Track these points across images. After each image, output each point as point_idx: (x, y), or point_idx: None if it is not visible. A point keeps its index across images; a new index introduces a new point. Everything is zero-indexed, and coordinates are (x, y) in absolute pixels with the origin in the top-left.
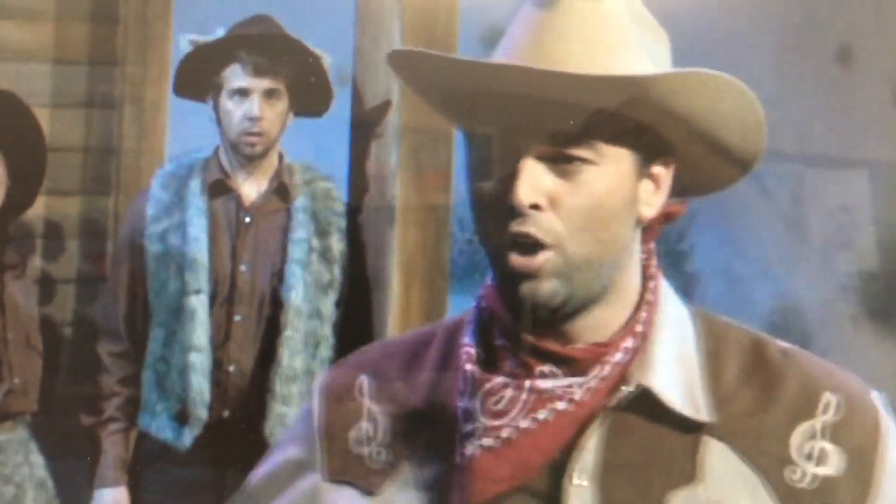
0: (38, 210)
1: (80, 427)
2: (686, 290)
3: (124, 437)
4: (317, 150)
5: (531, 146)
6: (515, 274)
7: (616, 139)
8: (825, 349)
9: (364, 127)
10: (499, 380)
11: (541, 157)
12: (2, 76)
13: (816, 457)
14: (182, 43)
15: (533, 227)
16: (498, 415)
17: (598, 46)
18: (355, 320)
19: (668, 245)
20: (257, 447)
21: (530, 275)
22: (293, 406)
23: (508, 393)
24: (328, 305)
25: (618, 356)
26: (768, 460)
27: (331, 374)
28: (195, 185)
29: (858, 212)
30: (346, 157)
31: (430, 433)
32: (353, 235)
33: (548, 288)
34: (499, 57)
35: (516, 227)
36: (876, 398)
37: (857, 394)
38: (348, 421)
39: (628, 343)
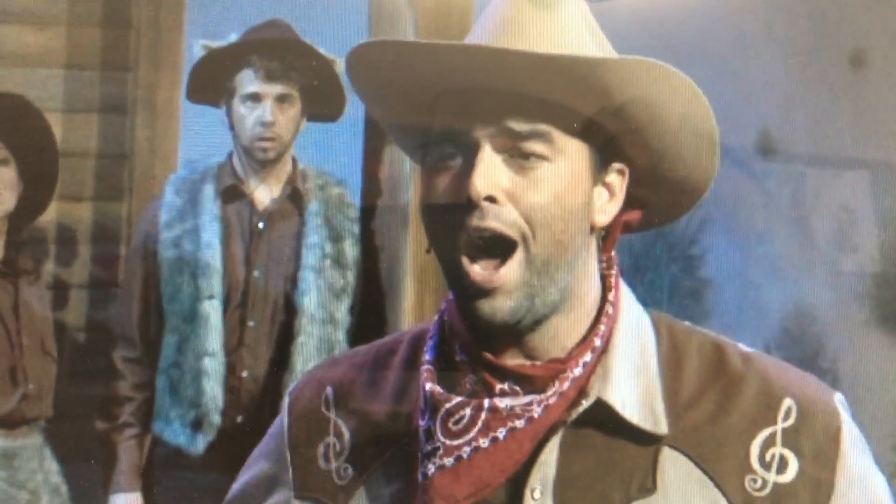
0: (50, 215)
1: (94, 432)
2: (698, 295)
3: (138, 442)
4: (330, 154)
5: (487, 138)
6: (474, 289)
7: (570, 130)
8: (837, 354)
9: (377, 131)
10: (458, 400)
11: (498, 151)
12: (14, 81)
13: (777, 464)
14: (195, 48)
15: (494, 220)
16: (457, 434)
17: (554, 37)
18: (369, 326)
19: (679, 249)
20: None
21: (490, 291)
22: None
23: (468, 412)
24: (342, 311)
25: (576, 371)
26: (728, 469)
27: (299, 388)
28: (209, 190)
29: (867, 213)
30: (359, 161)
31: (394, 450)
32: (367, 240)
33: (509, 305)
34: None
35: (475, 221)
36: (838, 402)
37: (818, 398)
38: (315, 436)
39: (587, 357)
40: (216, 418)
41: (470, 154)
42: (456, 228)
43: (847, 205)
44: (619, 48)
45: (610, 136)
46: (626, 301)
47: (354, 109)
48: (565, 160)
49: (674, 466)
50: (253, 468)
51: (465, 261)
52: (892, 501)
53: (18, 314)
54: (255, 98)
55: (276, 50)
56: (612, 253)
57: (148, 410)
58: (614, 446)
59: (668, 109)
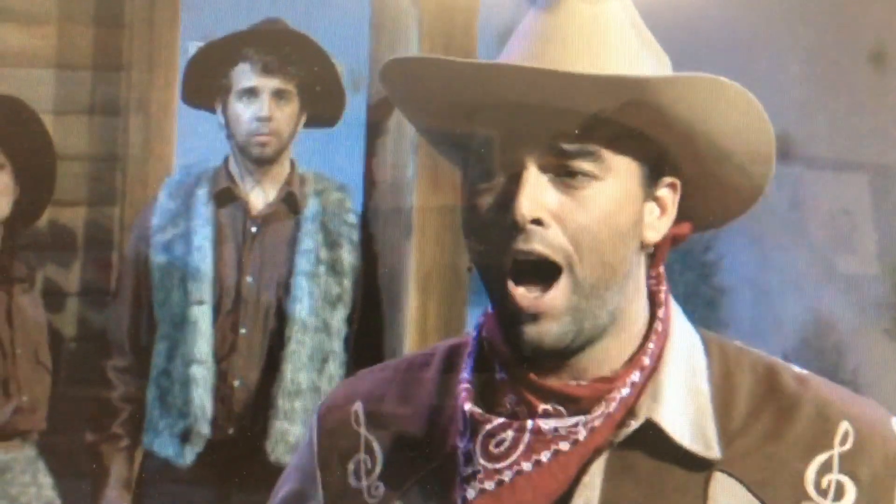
0: (41, 220)
1: (83, 445)
2: (714, 303)
3: (128, 455)
4: (330, 159)
5: (533, 158)
6: (520, 314)
7: (620, 150)
8: (858, 364)
9: (380, 134)
10: (499, 421)
11: (544, 170)
12: (4, 81)
13: (834, 491)
14: (190, 49)
15: (539, 244)
16: (498, 458)
17: (601, 50)
18: (369, 336)
19: (695, 256)
20: (261, 465)
21: (537, 316)
22: (296, 423)
23: (510, 434)
24: (337, 320)
25: (624, 392)
26: (783, 496)
27: (328, 403)
28: (202, 193)
29: (869, 216)
30: (360, 166)
31: (429, 469)
32: (367, 247)
33: (556, 329)
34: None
35: (521, 244)
36: (895, 425)
37: (876, 422)
38: (346, 452)
39: (635, 377)
40: (205, 428)
41: (515, 173)
42: (500, 250)
43: (871, 212)
44: None
45: (661, 151)
46: (677, 319)
47: (355, 116)
48: (615, 178)
49: (726, 493)
50: (283, 488)
51: (510, 284)
52: None
53: (12, 323)
54: (252, 93)
55: (273, 42)
56: (661, 269)
57: (138, 422)
58: (663, 470)
59: (722, 121)
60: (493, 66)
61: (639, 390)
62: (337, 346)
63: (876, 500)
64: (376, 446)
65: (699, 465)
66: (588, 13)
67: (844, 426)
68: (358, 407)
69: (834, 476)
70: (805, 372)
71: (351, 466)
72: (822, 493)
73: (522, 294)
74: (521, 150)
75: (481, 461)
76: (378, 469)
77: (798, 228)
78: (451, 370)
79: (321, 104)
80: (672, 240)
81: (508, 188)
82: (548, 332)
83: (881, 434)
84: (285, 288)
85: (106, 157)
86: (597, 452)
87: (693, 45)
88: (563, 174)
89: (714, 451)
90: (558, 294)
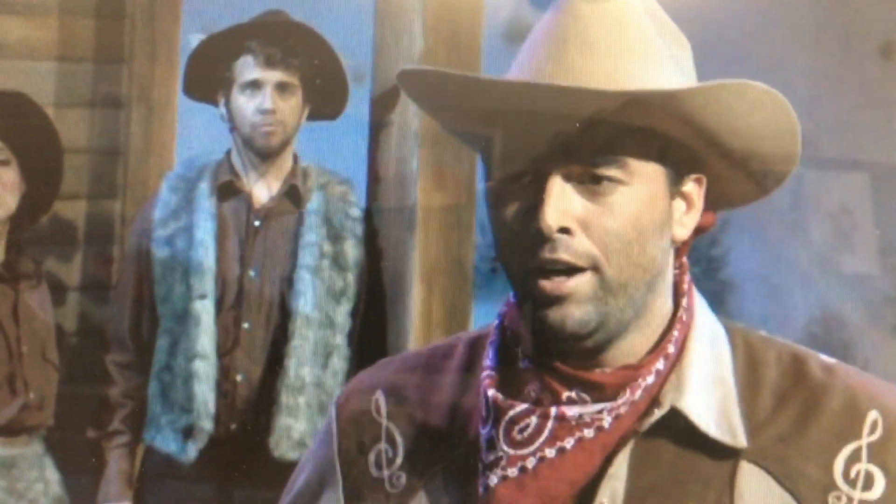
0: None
1: (86, 441)
2: (720, 297)
3: (129, 450)
4: (334, 154)
5: (558, 166)
6: (544, 298)
7: (646, 156)
8: (867, 359)
9: (383, 128)
10: (523, 407)
11: (568, 178)
12: (4, 74)
13: (863, 481)
14: (192, 42)
15: (565, 253)
16: (522, 444)
17: (624, 57)
18: (373, 331)
19: (701, 250)
20: (264, 461)
21: (560, 299)
22: (300, 418)
23: (533, 421)
24: (341, 314)
25: (649, 379)
26: (810, 486)
27: (347, 393)
28: (204, 187)
29: (871, 216)
30: (364, 161)
31: (451, 458)
32: (371, 241)
33: (579, 314)
34: (519, 70)
35: (547, 253)
36: None
37: None
38: (367, 442)
39: (659, 365)
40: (207, 424)
41: (539, 180)
42: (527, 256)
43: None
44: None
45: (687, 151)
46: (700, 308)
47: (359, 109)
48: (640, 182)
49: (752, 483)
50: (300, 477)
51: (534, 278)
52: None
53: (18, 320)
54: (255, 85)
55: (277, 34)
56: (685, 259)
57: (140, 417)
58: (688, 459)
59: (747, 121)
60: (513, 84)
61: (663, 378)
62: (341, 340)
63: None
64: (398, 436)
65: (725, 455)
66: (606, 11)
67: (873, 415)
68: (379, 396)
69: (863, 466)
70: (833, 360)
71: (372, 456)
72: (851, 483)
73: (546, 282)
74: (545, 158)
75: (504, 447)
76: (400, 459)
77: (800, 227)
78: (474, 360)
79: (324, 97)
80: (697, 230)
81: (534, 196)
82: (570, 315)
83: None
84: (288, 282)
85: (107, 150)
86: (622, 441)
87: (698, 36)
88: (589, 180)
89: (740, 441)
90: (583, 281)
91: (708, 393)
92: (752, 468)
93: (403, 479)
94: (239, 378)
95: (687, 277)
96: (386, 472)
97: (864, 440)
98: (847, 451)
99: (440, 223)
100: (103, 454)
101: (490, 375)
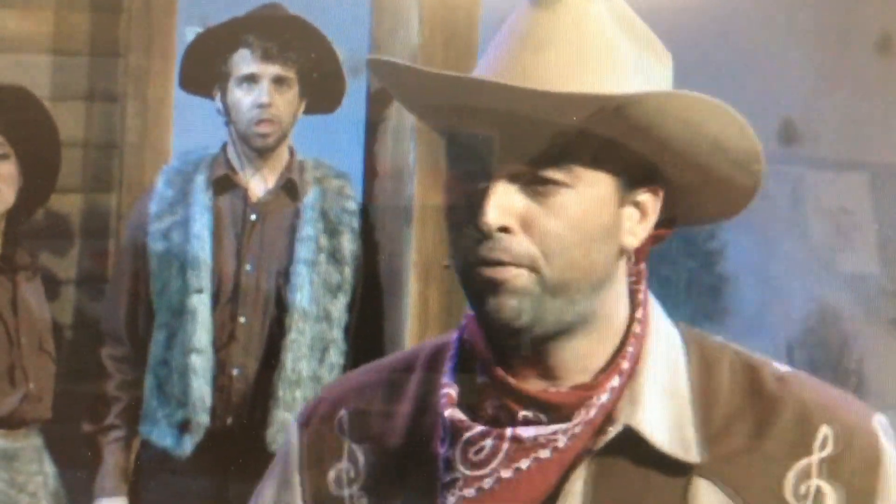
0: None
1: (81, 435)
2: (717, 291)
3: (125, 445)
4: (330, 148)
5: (503, 165)
6: (483, 285)
7: (594, 161)
8: (862, 354)
9: (380, 122)
10: (479, 429)
11: (514, 179)
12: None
13: (812, 498)
14: (188, 35)
15: (503, 252)
16: (478, 465)
17: (580, 61)
18: (369, 325)
19: (698, 244)
20: (260, 456)
21: (497, 286)
22: (296, 412)
23: (489, 442)
24: (338, 308)
25: (603, 397)
26: (762, 501)
27: (310, 408)
28: (200, 180)
29: (870, 215)
30: (360, 155)
31: (412, 478)
32: (367, 235)
33: (513, 303)
34: (481, 68)
35: (486, 252)
36: (877, 425)
37: (857, 423)
38: (328, 460)
39: (614, 382)
40: (204, 418)
41: (486, 179)
42: (469, 250)
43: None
44: None
45: (640, 159)
46: (656, 317)
47: (355, 103)
48: (587, 186)
49: (705, 498)
50: (261, 495)
51: (474, 271)
52: None
53: (17, 312)
54: (252, 79)
55: (274, 28)
56: (642, 266)
57: (136, 411)
58: (644, 476)
59: (700, 134)
60: (459, 80)
61: (618, 395)
62: (337, 334)
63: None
64: (360, 455)
65: (679, 470)
66: (567, 15)
67: (824, 431)
68: (342, 414)
69: (813, 482)
70: (784, 369)
71: (332, 474)
72: (801, 498)
73: (487, 269)
74: (492, 161)
75: (461, 468)
76: (361, 479)
77: (799, 223)
78: (433, 375)
79: (321, 91)
80: (654, 239)
81: (479, 194)
82: (505, 304)
83: (862, 436)
84: (285, 276)
85: (103, 143)
86: (578, 460)
87: (696, 32)
88: (533, 182)
89: (693, 456)
90: (519, 274)
91: (662, 408)
92: (705, 483)
93: (365, 499)
94: (235, 372)
95: (643, 287)
96: (346, 491)
97: (815, 456)
98: (798, 467)
99: (437, 216)
100: (99, 448)
101: (447, 394)
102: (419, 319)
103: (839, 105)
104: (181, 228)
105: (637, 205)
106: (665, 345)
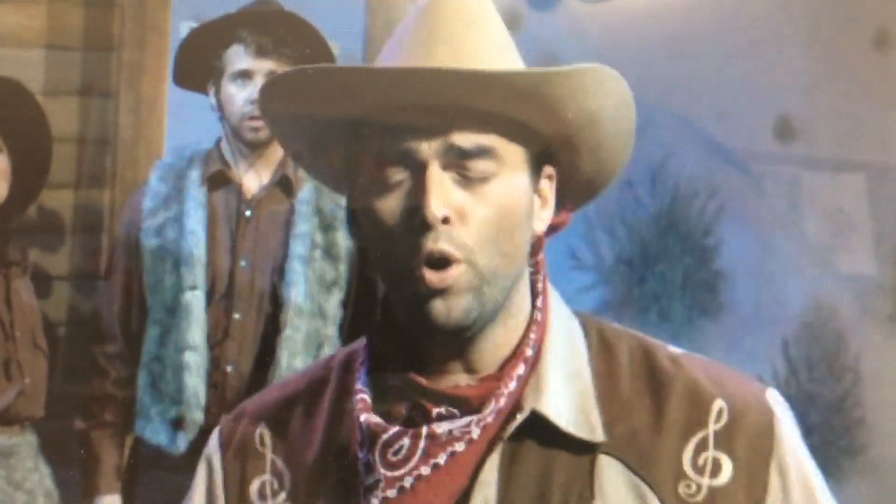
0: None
1: (73, 432)
2: (713, 287)
3: (118, 442)
4: None
5: (435, 158)
6: (427, 292)
7: (513, 141)
8: (859, 349)
9: None
10: (395, 430)
11: (445, 168)
12: None
13: (710, 469)
14: (182, 30)
15: (446, 243)
16: (397, 465)
17: (486, 49)
18: (364, 321)
19: (694, 240)
20: None
21: (444, 290)
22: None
23: (406, 442)
24: (333, 304)
25: (511, 385)
26: (663, 475)
27: (230, 425)
28: (194, 176)
29: (867, 215)
30: None
31: (334, 484)
32: None
33: (463, 304)
34: (383, 64)
35: (430, 244)
36: (770, 398)
37: (749, 397)
38: (251, 473)
39: (520, 370)
40: (198, 415)
41: (417, 173)
42: (410, 249)
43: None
44: (637, 34)
45: (543, 143)
46: (555, 306)
47: None
48: (510, 172)
49: (610, 474)
50: None
51: (416, 271)
52: (829, 495)
53: (11, 307)
54: (246, 75)
55: (268, 24)
56: (541, 256)
57: (129, 408)
58: (553, 458)
59: (602, 112)
60: (386, 72)
61: (524, 382)
62: (332, 331)
63: (752, 474)
64: (282, 466)
65: (585, 449)
66: (465, 9)
67: (718, 404)
68: (262, 428)
69: (710, 453)
70: (679, 351)
71: (255, 486)
72: (699, 470)
73: (431, 274)
74: (420, 149)
75: (381, 470)
76: (285, 492)
77: (795, 220)
78: (347, 383)
79: None
80: (550, 228)
81: (412, 188)
82: (455, 306)
83: (755, 409)
84: (280, 272)
85: (96, 139)
86: (490, 448)
87: (692, 30)
88: (464, 174)
89: (598, 435)
90: (461, 272)
91: (565, 391)
92: (609, 460)
93: None
94: (229, 369)
95: (541, 276)
96: (270, 503)
97: (711, 428)
98: (695, 440)
99: None
100: (92, 445)
101: (361, 399)
102: None
103: (835, 102)
104: (175, 224)
105: (539, 193)
106: (565, 332)
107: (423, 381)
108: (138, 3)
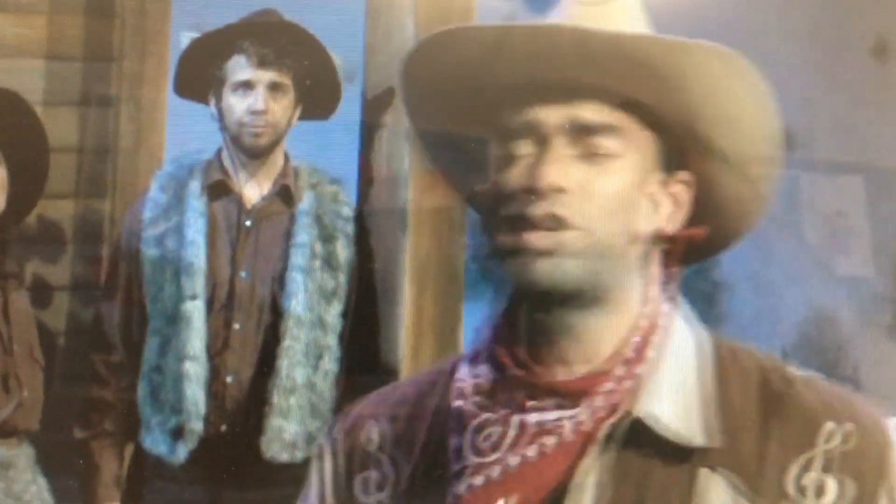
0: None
1: (73, 441)
2: (712, 298)
3: (118, 451)
4: (325, 154)
5: (558, 132)
6: (532, 251)
7: (641, 122)
8: (860, 361)
9: (375, 128)
10: (485, 416)
11: (568, 145)
12: None
13: (814, 490)
14: (182, 40)
15: (562, 208)
16: (486, 452)
17: (634, 14)
18: (364, 331)
19: None
20: (255, 463)
21: (549, 251)
22: (291, 419)
23: (496, 429)
24: (333, 315)
25: (609, 385)
26: (766, 493)
27: (342, 422)
28: (194, 186)
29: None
30: (355, 161)
31: (433, 480)
32: (362, 241)
33: (569, 266)
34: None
35: (542, 209)
36: (890, 426)
37: (867, 422)
38: (356, 469)
39: (619, 371)
40: (198, 425)
41: (540, 146)
42: (523, 217)
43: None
44: None
45: (678, 136)
46: (674, 315)
47: (350, 108)
48: (637, 157)
49: (711, 488)
50: None
51: (526, 235)
52: None
53: (9, 320)
54: (247, 86)
55: (269, 34)
56: (674, 270)
57: (129, 418)
58: (650, 465)
59: (740, 110)
60: (526, 28)
61: (624, 385)
62: (332, 341)
63: (859, 499)
64: (387, 463)
65: (685, 459)
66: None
67: (829, 426)
68: (371, 426)
69: (815, 475)
70: (799, 372)
71: (359, 480)
72: (801, 490)
73: (538, 236)
74: (545, 123)
75: (470, 456)
76: (388, 486)
77: (794, 228)
78: (450, 381)
79: (317, 97)
80: (687, 240)
81: (533, 161)
82: (559, 266)
83: (871, 434)
84: (280, 283)
85: (96, 149)
86: (585, 448)
87: (692, 34)
88: (588, 151)
89: (699, 446)
90: (572, 237)
91: (669, 399)
92: (710, 474)
93: None
94: (229, 379)
95: (672, 286)
96: (373, 498)
97: (819, 449)
98: (801, 460)
99: (432, 224)
100: (91, 455)
101: (458, 388)
102: (414, 326)
103: (835, 110)
104: (175, 234)
105: (672, 194)
106: (678, 342)
107: (518, 370)
108: (139, 12)
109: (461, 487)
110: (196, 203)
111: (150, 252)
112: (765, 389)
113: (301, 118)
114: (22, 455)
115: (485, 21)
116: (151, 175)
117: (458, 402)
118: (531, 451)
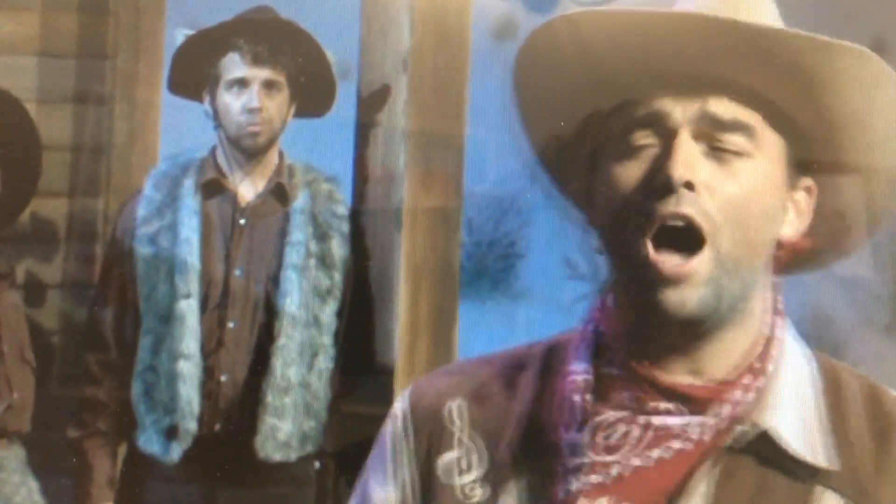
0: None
1: (66, 441)
2: None
3: (111, 451)
4: (320, 153)
5: (687, 126)
6: (660, 280)
7: (771, 125)
8: (857, 360)
9: (370, 126)
10: (610, 413)
11: (696, 141)
12: None
13: None
14: (177, 37)
15: (690, 207)
16: (608, 450)
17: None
18: (359, 330)
19: None
20: (249, 462)
21: (679, 280)
22: (285, 418)
23: (620, 428)
24: (327, 313)
25: (736, 394)
26: None
27: (416, 396)
28: (189, 184)
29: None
30: (350, 161)
31: (528, 467)
32: (357, 240)
33: (698, 296)
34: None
35: (671, 207)
36: None
37: None
38: (438, 448)
39: (746, 380)
40: (192, 425)
41: (666, 141)
42: (645, 215)
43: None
44: None
45: (809, 141)
46: (789, 328)
47: (345, 107)
48: (765, 158)
49: None
50: (362, 492)
51: (650, 250)
52: None
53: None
54: (242, 83)
55: (264, 32)
56: (778, 279)
57: (123, 417)
58: (769, 478)
59: (883, 123)
60: (661, 14)
61: (751, 395)
62: (327, 340)
63: None
64: (475, 445)
65: (805, 475)
66: None
67: None
68: (451, 405)
69: None
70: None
71: (443, 461)
72: None
73: (664, 260)
74: (674, 116)
75: (590, 453)
76: (477, 469)
77: None
78: (552, 368)
79: (312, 95)
80: (793, 249)
81: (659, 155)
82: (690, 297)
83: None
84: (274, 281)
85: (90, 147)
86: (705, 456)
87: None
88: (716, 148)
89: (821, 464)
90: (702, 261)
91: (792, 412)
92: (828, 493)
93: (478, 489)
94: (223, 378)
95: (780, 297)
96: (458, 481)
97: None
98: None
99: (427, 222)
100: (84, 455)
101: (574, 380)
102: (409, 324)
103: None
104: (169, 232)
105: (795, 202)
106: (798, 355)
107: (652, 372)
108: (132, 10)
109: (576, 484)
110: (190, 201)
111: (143, 250)
112: (878, 411)
113: (296, 116)
114: (12, 457)
115: (483, 21)
116: (145, 173)
117: (577, 396)
118: (656, 454)
